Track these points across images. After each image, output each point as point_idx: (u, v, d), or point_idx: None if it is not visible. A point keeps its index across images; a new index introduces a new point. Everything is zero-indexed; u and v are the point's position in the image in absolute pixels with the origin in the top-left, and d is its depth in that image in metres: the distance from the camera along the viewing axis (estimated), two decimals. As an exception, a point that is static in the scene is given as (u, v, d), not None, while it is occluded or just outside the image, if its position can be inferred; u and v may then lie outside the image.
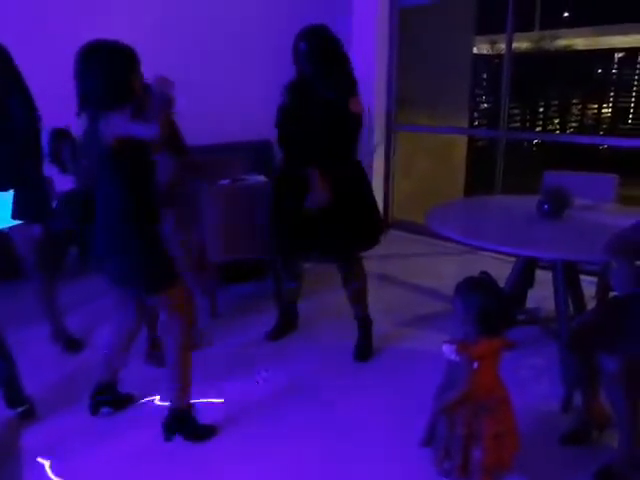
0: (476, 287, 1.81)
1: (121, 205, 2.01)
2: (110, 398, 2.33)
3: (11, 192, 2.62)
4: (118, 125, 1.87)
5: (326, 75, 2.54)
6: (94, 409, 2.31)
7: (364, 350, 2.84)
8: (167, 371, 2.15)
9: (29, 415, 2.31)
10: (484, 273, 1.87)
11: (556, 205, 2.71)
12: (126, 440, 2.19)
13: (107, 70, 1.91)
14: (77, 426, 2.28)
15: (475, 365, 1.74)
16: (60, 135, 3.72)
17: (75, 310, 3.23)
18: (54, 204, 3.71)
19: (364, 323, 2.88)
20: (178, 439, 2.16)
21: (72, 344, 2.91)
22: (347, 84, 2.58)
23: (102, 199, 2.09)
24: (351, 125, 2.62)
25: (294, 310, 3.13)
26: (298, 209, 2.63)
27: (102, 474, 2.03)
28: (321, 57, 2.53)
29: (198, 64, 4.22)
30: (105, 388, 2.32)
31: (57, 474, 2.01)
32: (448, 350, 1.79)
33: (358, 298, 2.85)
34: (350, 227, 2.66)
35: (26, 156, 2.60)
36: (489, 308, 1.75)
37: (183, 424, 2.16)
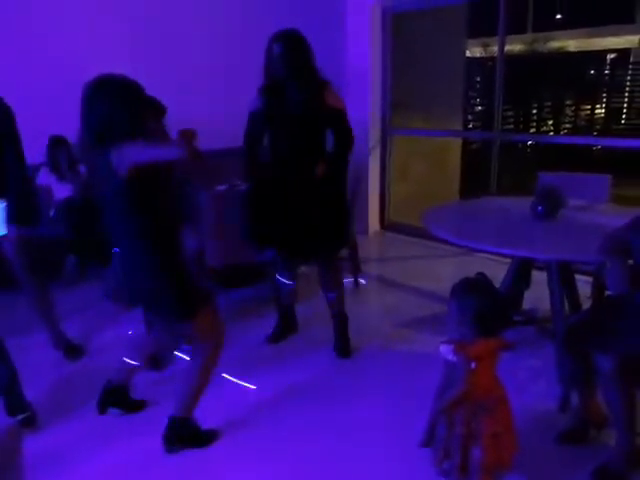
0: (472, 288, 1.83)
1: (141, 239, 1.96)
2: (120, 400, 2.32)
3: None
4: (135, 153, 1.84)
5: (298, 77, 2.57)
6: (102, 408, 2.30)
7: (345, 346, 2.89)
8: (182, 384, 2.12)
9: (30, 422, 2.31)
10: (480, 274, 1.89)
11: (550, 206, 2.74)
12: (128, 446, 2.20)
13: (119, 103, 1.89)
14: (77, 433, 2.29)
15: (473, 365, 1.76)
16: (57, 143, 3.75)
17: (73, 317, 3.24)
18: (51, 212, 3.73)
19: (341, 319, 2.93)
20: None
21: (72, 350, 2.91)
22: (317, 83, 2.61)
23: (120, 233, 2.03)
24: (333, 120, 2.64)
25: (292, 313, 3.15)
26: (280, 210, 2.68)
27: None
28: (294, 59, 2.56)
29: (194, 70, 4.25)
30: (116, 389, 2.31)
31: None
32: (446, 350, 1.80)
33: (335, 304, 2.91)
34: (317, 228, 2.69)
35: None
36: (485, 309, 1.77)
37: (184, 433, 2.14)
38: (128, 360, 2.27)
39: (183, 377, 2.14)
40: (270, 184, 2.72)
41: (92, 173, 2.00)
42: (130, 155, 1.83)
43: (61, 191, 3.74)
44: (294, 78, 2.57)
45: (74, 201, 3.72)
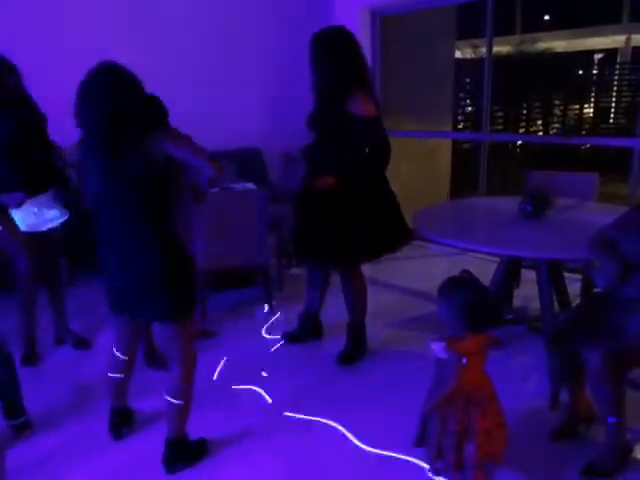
0: (458, 284, 1.85)
1: (150, 222, 1.92)
2: (127, 418, 2.30)
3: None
4: (173, 145, 1.84)
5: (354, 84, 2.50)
6: (117, 434, 2.26)
7: (350, 355, 2.85)
8: (169, 404, 2.04)
9: (25, 428, 2.30)
10: (465, 271, 1.91)
11: (538, 205, 2.77)
12: (120, 453, 2.20)
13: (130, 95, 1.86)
14: (66, 438, 2.28)
15: (464, 361, 1.78)
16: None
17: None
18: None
19: (355, 332, 2.89)
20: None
21: (81, 342, 3.03)
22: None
23: (126, 227, 1.95)
24: (358, 128, 2.51)
25: (317, 319, 3.08)
26: (317, 217, 2.66)
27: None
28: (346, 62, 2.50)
29: (188, 72, 4.26)
30: (121, 412, 2.28)
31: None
32: (437, 348, 1.82)
33: (356, 309, 2.86)
34: (350, 236, 2.61)
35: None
36: (472, 302, 1.79)
37: (183, 452, 2.10)
38: (117, 353, 2.22)
39: (167, 393, 2.04)
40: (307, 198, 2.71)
41: (107, 168, 1.89)
42: (167, 145, 1.82)
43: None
44: (328, 88, 2.52)
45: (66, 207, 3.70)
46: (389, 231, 2.72)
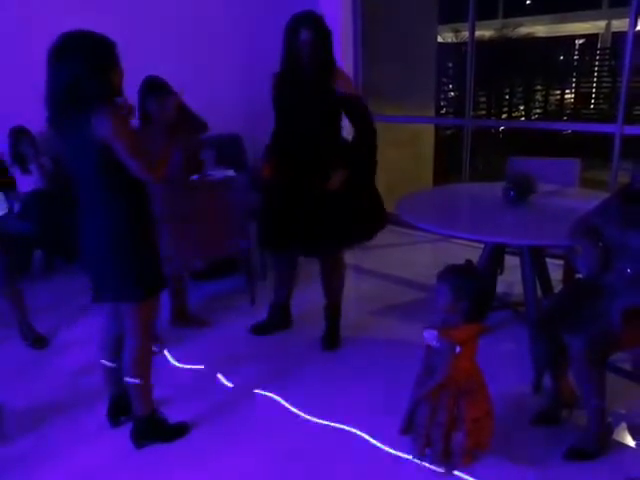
0: (463, 273, 1.84)
1: (113, 201, 1.86)
2: (125, 406, 2.24)
3: None
4: (111, 138, 1.74)
5: (322, 70, 2.47)
6: (114, 421, 2.24)
7: (332, 339, 2.85)
8: (128, 382, 2.06)
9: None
10: (468, 261, 1.90)
11: (521, 191, 2.76)
12: (99, 446, 2.17)
13: (86, 64, 1.74)
14: (46, 435, 2.24)
15: (458, 350, 1.77)
16: (20, 134, 3.63)
17: (41, 313, 3.16)
18: (16, 207, 3.61)
19: (334, 314, 2.88)
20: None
21: (39, 341, 2.92)
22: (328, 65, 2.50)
23: (89, 201, 1.92)
24: (348, 109, 2.51)
25: (287, 309, 3.04)
26: (288, 203, 2.60)
27: None
28: (323, 50, 2.46)
29: (169, 58, 4.14)
30: (119, 399, 2.23)
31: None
32: (429, 336, 1.81)
33: (336, 292, 2.84)
34: (339, 222, 2.58)
35: None
36: (478, 291, 1.79)
37: (149, 429, 2.12)
38: (104, 362, 2.19)
39: (125, 374, 2.05)
40: (283, 182, 2.62)
41: (63, 137, 1.84)
42: (106, 128, 1.72)
43: (24, 185, 3.63)
44: (318, 71, 2.47)
45: (40, 194, 3.61)
46: (369, 216, 2.70)
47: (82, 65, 1.74)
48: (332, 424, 2.23)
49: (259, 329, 3.00)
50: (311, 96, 2.52)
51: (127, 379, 2.05)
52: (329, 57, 2.50)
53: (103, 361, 2.19)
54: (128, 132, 1.79)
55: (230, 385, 2.54)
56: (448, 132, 8.80)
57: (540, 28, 13.21)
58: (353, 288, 3.59)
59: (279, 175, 2.62)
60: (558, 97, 11.55)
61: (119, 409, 2.24)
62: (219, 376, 2.60)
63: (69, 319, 3.20)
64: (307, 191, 2.56)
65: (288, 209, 2.61)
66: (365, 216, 2.67)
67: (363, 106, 2.61)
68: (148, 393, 2.10)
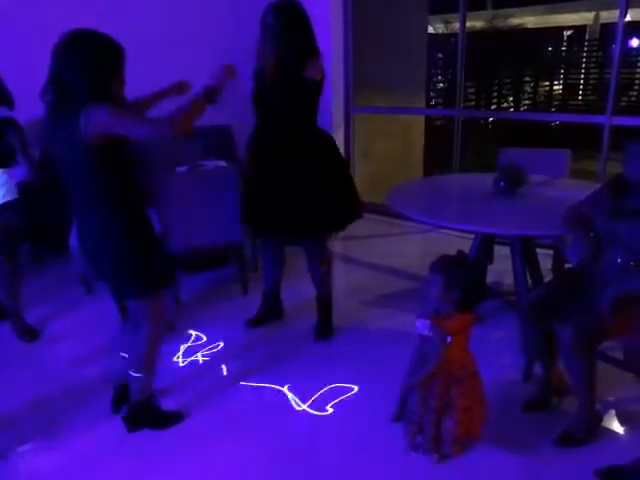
0: (456, 263, 1.85)
1: (108, 200, 1.88)
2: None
3: None
4: (107, 122, 1.74)
5: (296, 58, 2.47)
6: (116, 408, 2.25)
7: (325, 329, 2.86)
8: (132, 367, 2.09)
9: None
10: (460, 252, 1.91)
11: (512, 182, 2.78)
12: (89, 435, 2.16)
13: (93, 64, 1.77)
14: (28, 426, 2.22)
15: (449, 339, 1.78)
16: (6, 125, 3.56)
17: (31, 305, 3.13)
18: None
19: (326, 304, 2.89)
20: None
21: (28, 333, 2.89)
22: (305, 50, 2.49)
23: (81, 198, 1.93)
24: (307, 92, 2.52)
25: (277, 298, 3.05)
26: (267, 189, 2.60)
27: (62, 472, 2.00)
28: (290, 29, 2.46)
29: (154, 47, 4.10)
30: (122, 387, 2.25)
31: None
32: (422, 325, 1.82)
33: (324, 282, 2.85)
34: (315, 206, 2.58)
35: None
36: (470, 282, 1.80)
37: (143, 415, 2.14)
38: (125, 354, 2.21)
39: (130, 358, 2.11)
40: (260, 167, 2.64)
41: (54, 135, 1.86)
42: (98, 123, 1.72)
43: (13, 176, 3.57)
44: (287, 58, 2.46)
45: (28, 186, 3.56)
46: (344, 204, 2.72)
47: (80, 65, 1.76)
48: (325, 413, 2.25)
49: (254, 322, 3.01)
50: (280, 85, 2.51)
51: (131, 372, 2.08)
52: (300, 44, 2.47)
53: (123, 353, 2.21)
54: (122, 111, 1.80)
55: (224, 374, 2.54)
56: (437, 123, 8.81)
57: (530, 19, 13.23)
58: (345, 278, 3.60)
59: (256, 166, 2.65)
60: (547, 88, 11.59)
61: (124, 396, 2.24)
62: (214, 364, 2.60)
63: (59, 311, 3.17)
64: (281, 177, 2.57)
65: (264, 195, 2.62)
66: (340, 203, 2.69)
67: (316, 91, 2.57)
68: (149, 382, 2.13)
